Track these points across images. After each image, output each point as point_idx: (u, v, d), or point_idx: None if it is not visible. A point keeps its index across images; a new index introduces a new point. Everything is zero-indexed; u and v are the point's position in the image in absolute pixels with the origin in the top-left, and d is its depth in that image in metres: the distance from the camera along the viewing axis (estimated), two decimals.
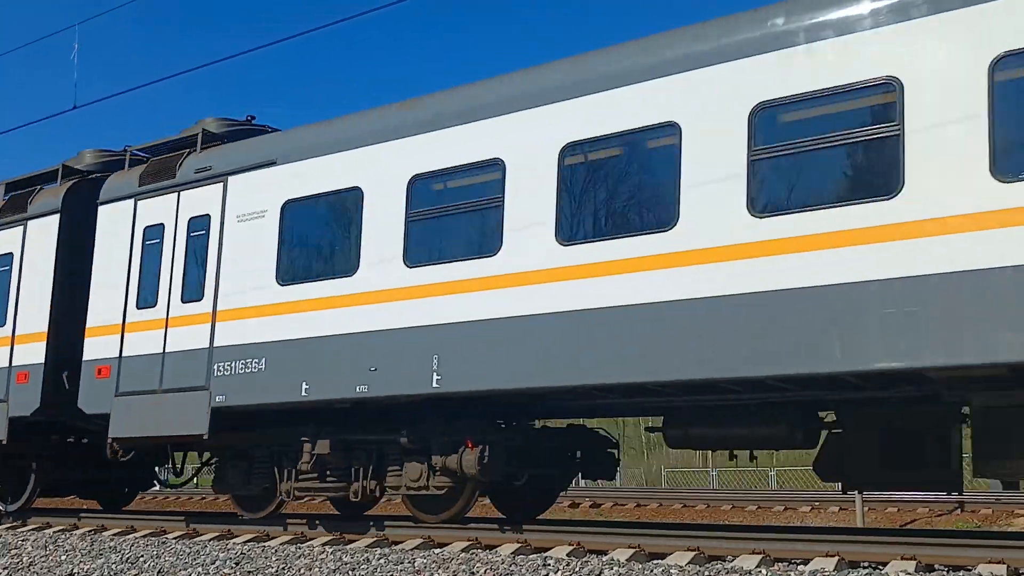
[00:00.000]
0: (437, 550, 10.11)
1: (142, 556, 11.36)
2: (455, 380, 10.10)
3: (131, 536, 12.79)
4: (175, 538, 12.46)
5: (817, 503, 21.26)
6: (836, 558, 8.24)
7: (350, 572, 9.55)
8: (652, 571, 8.30)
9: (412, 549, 10.29)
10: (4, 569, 11.86)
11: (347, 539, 11.39)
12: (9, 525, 14.96)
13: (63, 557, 11.91)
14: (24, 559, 12.17)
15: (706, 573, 8.08)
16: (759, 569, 8.05)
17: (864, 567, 8.06)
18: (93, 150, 15.53)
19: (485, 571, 8.93)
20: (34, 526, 14.75)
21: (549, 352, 9.55)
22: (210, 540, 12.08)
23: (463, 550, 10.01)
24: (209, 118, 13.73)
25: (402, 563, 9.53)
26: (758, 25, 9.12)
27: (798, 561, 8.57)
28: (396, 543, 10.83)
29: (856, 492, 16.18)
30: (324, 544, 11.06)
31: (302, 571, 9.88)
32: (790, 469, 38.58)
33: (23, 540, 13.12)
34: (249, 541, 11.75)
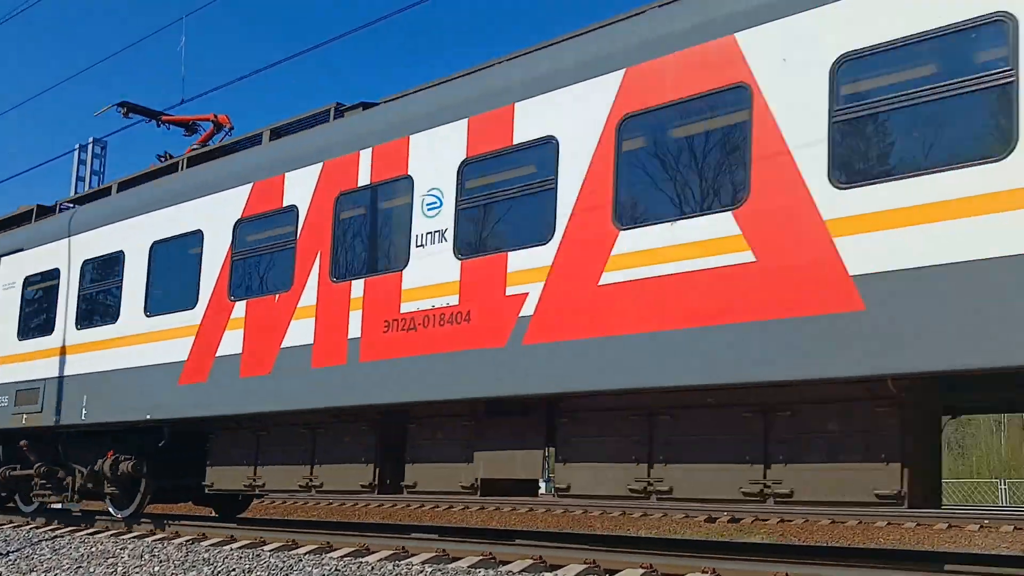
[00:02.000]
0: None
1: (235, 570, 10.31)
2: None
3: (227, 547, 11.75)
4: (271, 550, 11.32)
5: (987, 521, 17.89)
6: None
7: None
8: None
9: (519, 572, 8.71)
10: None
11: (450, 555, 9.91)
12: (113, 532, 14.22)
13: (156, 568, 11.01)
14: (119, 568, 11.34)
15: None
16: None
17: None
18: None
19: None
20: (136, 533, 13.97)
21: None
22: (306, 553, 10.89)
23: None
24: None
25: None
26: None
27: None
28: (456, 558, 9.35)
29: None
30: (424, 563, 9.61)
31: None
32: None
33: (121, 548, 12.31)
34: (346, 556, 10.48)
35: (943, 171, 6.78)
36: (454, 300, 9.75)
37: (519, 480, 9.92)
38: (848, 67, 7.38)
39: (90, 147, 31.65)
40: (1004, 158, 6.54)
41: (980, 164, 6.63)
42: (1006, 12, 6.70)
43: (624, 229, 8.49)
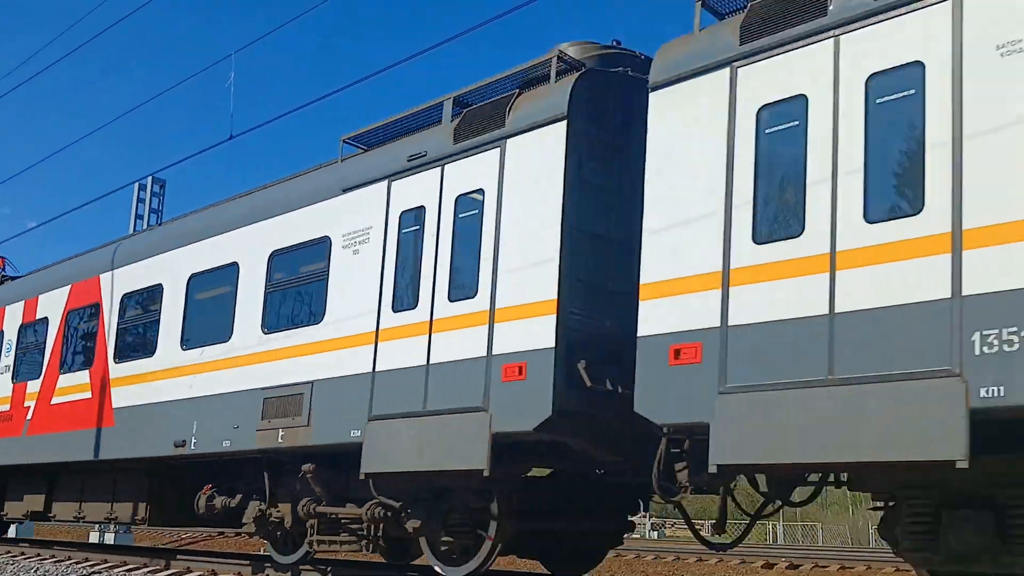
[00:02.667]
0: None
1: None
2: None
3: None
4: None
5: None
6: None
7: None
8: None
9: None
10: None
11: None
12: (150, 569, 14.28)
13: None
14: None
15: None
16: None
17: None
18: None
19: None
20: (174, 571, 14.48)
21: None
22: None
23: None
24: None
25: None
26: None
27: None
28: None
29: None
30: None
31: None
32: None
33: None
34: None
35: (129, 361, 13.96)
36: (7, 407, 17.07)
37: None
38: (127, 298, 14.61)
39: (149, 185, 32.13)
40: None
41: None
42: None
43: (61, 374, 15.78)
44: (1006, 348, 6.28)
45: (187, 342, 13.28)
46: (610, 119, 9.64)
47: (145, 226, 31.54)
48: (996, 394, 6.29)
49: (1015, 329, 6.24)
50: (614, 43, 10.71)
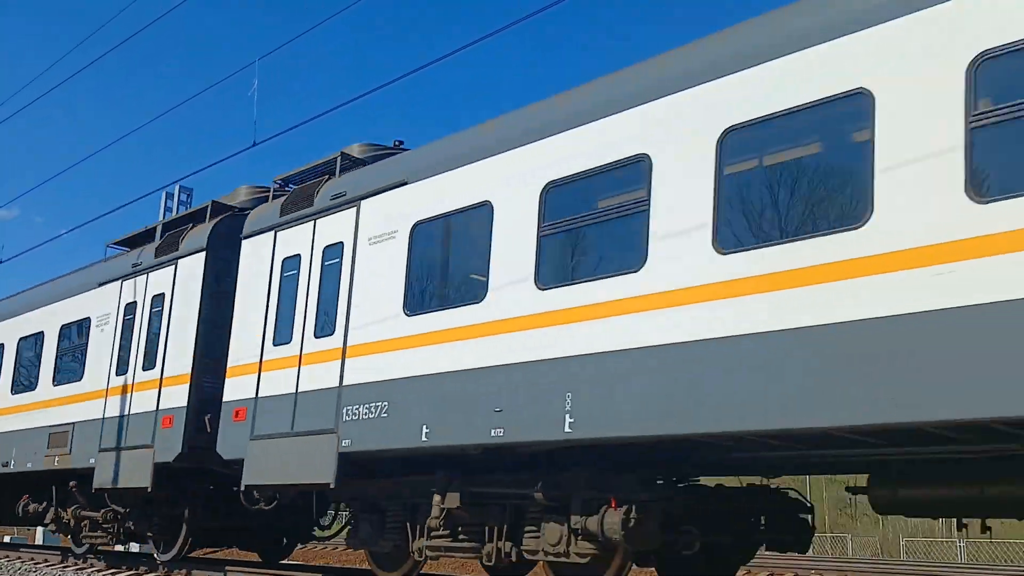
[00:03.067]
0: None
1: None
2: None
3: None
4: None
5: None
6: None
7: None
8: None
9: None
10: None
11: None
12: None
13: None
14: None
15: None
16: None
17: None
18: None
19: None
20: None
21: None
22: None
23: None
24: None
25: None
26: None
27: None
28: None
29: None
30: None
31: None
32: None
33: None
34: None
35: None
36: None
37: None
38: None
39: (176, 194, 31.70)
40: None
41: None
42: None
43: None
44: (353, 417, 10.68)
45: (14, 389, 17.83)
46: None
47: None
48: (349, 444, 10.66)
49: (356, 407, 10.68)
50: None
